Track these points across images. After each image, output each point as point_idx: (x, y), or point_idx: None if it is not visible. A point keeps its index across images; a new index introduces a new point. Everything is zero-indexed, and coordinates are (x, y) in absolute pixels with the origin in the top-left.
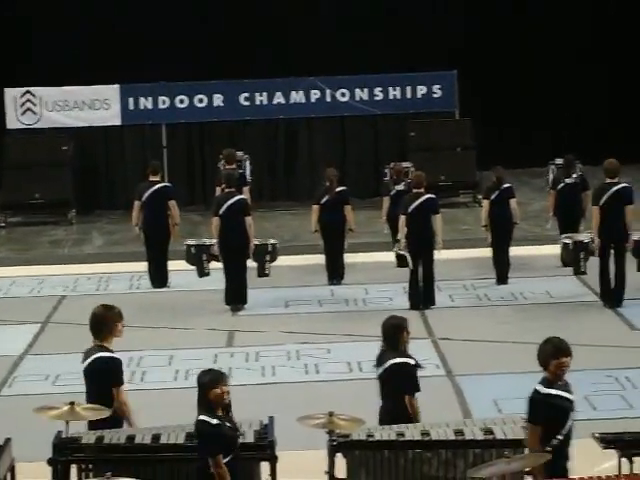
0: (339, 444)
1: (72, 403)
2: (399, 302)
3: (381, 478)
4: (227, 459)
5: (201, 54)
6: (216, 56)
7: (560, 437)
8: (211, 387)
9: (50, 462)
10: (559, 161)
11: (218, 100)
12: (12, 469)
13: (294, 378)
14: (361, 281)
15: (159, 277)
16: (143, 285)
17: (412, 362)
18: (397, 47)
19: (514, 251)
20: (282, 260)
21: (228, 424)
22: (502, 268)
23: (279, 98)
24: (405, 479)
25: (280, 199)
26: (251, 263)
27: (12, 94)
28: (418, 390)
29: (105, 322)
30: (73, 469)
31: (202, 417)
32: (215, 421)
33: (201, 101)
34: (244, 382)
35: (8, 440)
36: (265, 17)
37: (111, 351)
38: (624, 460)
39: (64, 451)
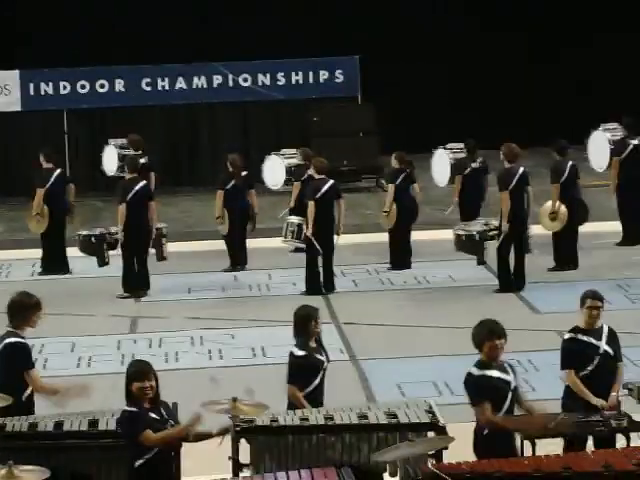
0: (243, 429)
1: None
2: (302, 287)
3: (285, 463)
4: (152, 453)
5: (104, 38)
6: (119, 40)
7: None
8: (133, 380)
9: None
10: (451, 145)
11: (119, 85)
12: None
13: (198, 364)
14: (264, 266)
15: (61, 263)
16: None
17: (299, 353)
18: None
19: (417, 235)
20: (185, 246)
21: (154, 415)
22: (405, 253)
23: (181, 83)
24: (309, 463)
25: (183, 184)
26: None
27: None
28: (296, 382)
29: (22, 310)
30: None
31: (124, 407)
32: (135, 409)
33: (102, 86)
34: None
35: None
36: None
37: (22, 337)
38: (527, 442)
39: None
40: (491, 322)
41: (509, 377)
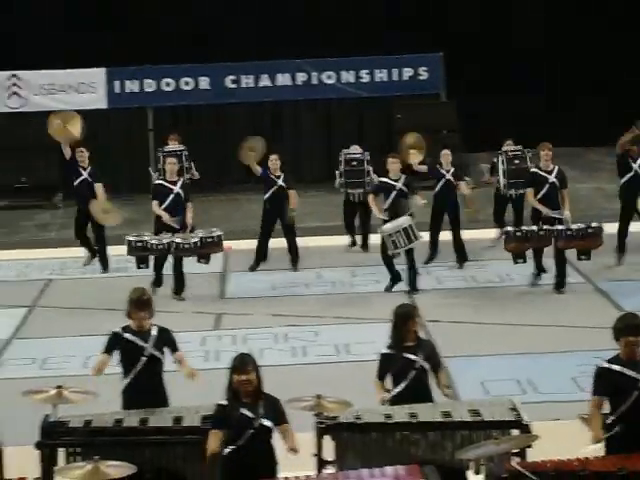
0: (327, 426)
1: (60, 387)
2: (384, 284)
3: (369, 460)
4: (235, 444)
5: (188, 36)
6: (203, 38)
7: (618, 414)
8: (232, 372)
9: (38, 446)
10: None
11: (204, 83)
12: (0, 453)
13: (282, 361)
14: (347, 264)
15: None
16: (130, 268)
17: (383, 351)
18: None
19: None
20: (269, 243)
21: (245, 412)
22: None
23: (265, 81)
24: (393, 461)
25: None
26: None
27: None
28: (379, 378)
29: (127, 303)
30: (61, 453)
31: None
32: (224, 403)
33: (187, 84)
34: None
35: None
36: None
37: (123, 327)
38: None
39: (52, 435)
40: (630, 317)
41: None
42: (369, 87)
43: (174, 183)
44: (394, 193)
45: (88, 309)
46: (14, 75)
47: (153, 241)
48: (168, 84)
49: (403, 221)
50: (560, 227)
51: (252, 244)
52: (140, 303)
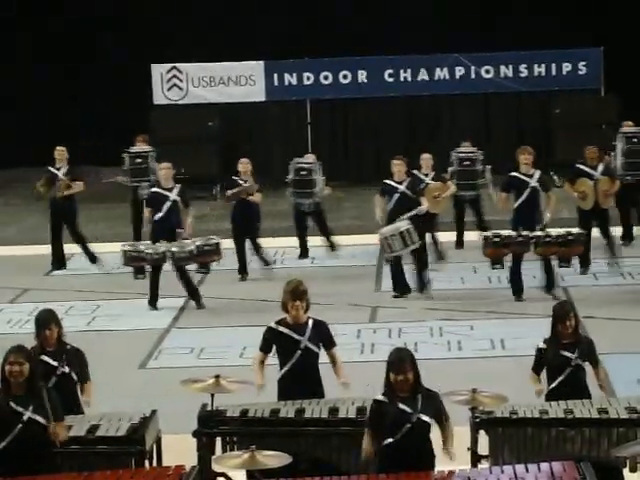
0: (482, 421)
1: (217, 376)
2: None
3: (524, 456)
4: (392, 438)
5: (344, 30)
6: (360, 32)
7: None
8: (389, 370)
9: (195, 434)
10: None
11: (362, 76)
12: (158, 440)
13: (437, 354)
14: (505, 260)
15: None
16: (287, 260)
17: (539, 345)
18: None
19: None
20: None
21: (403, 407)
22: None
23: (423, 75)
24: (548, 457)
25: None
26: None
27: (159, 70)
28: (534, 371)
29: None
30: (218, 441)
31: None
32: (381, 398)
33: (345, 77)
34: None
35: (154, 412)
36: None
37: (277, 322)
38: None
39: (209, 424)
40: None
41: None
42: (527, 81)
43: (170, 190)
44: (396, 196)
45: (245, 300)
46: (174, 67)
47: (149, 250)
48: (326, 77)
49: (401, 225)
50: (539, 233)
51: None
52: (296, 294)
